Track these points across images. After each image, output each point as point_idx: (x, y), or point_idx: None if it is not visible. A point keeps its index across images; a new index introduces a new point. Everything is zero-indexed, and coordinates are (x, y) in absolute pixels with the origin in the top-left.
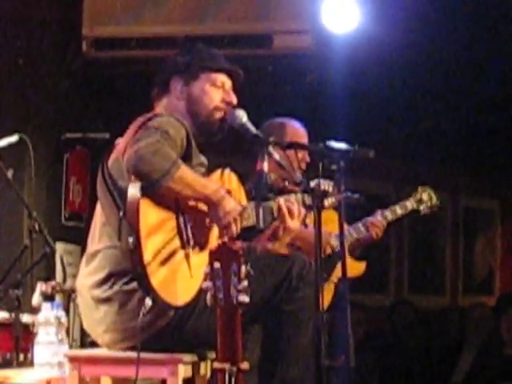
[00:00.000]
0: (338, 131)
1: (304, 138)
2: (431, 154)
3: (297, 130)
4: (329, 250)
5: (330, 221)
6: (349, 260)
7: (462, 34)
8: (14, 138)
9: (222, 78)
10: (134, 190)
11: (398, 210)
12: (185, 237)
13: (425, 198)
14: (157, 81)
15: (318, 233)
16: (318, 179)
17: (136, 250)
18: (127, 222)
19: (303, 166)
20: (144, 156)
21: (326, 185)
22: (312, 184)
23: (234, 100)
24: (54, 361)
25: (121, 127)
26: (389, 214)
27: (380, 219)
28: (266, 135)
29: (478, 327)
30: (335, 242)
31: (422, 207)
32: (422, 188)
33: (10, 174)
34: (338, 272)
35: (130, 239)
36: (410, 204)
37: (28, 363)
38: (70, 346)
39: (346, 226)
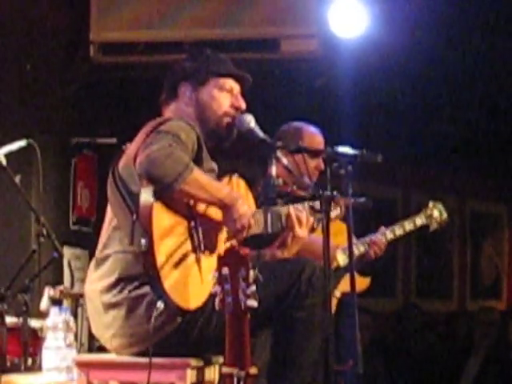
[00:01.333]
0: (346, 136)
1: (320, 144)
2: (438, 158)
3: (314, 136)
4: (334, 264)
5: (339, 233)
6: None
7: (469, 38)
8: (21, 143)
9: (231, 83)
10: (146, 194)
11: (407, 226)
12: (196, 240)
13: (435, 214)
14: (165, 86)
15: (327, 237)
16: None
17: (149, 253)
18: (140, 226)
19: (316, 173)
20: (156, 160)
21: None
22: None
23: (243, 105)
24: (62, 365)
25: (128, 132)
26: (396, 230)
27: (381, 238)
28: (281, 140)
29: (485, 332)
30: (340, 257)
31: (432, 223)
32: (433, 204)
33: (17, 179)
34: (341, 287)
35: (143, 241)
36: (419, 220)
37: (36, 368)
38: (78, 351)
39: (354, 240)
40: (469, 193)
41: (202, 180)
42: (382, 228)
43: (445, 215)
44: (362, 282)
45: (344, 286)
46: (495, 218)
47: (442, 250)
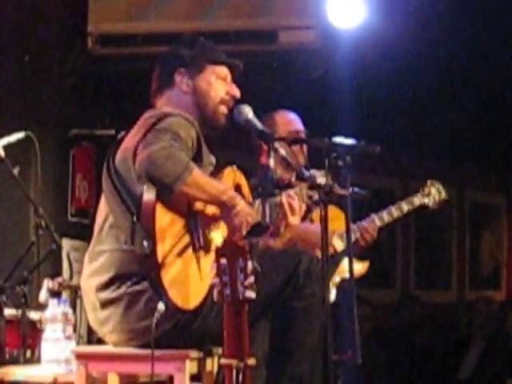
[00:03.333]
0: (344, 127)
1: (295, 124)
2: (437, 149)
3: (286, 117)
4: (331, 250)
5: (336, 218)
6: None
7: (468, 29)
8: (20, 135)
9: (225, 71)
10: (149, 194)
11: (405, 206)
12: (196, 240)
13: (433, 193)
14: (159, 74)
15: (325, 227)
16: (313, 171)
17: (152, 255)
18: (142, 227)
19: (303, 154)
20: (157, 161)
21: (320, 176)
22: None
23: (238, 93)
24: (61, 357)
25: (127, 123)
26: (393, 212)
27: (372, 225)
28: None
29: (484, 322)
30: (337, 243)
31: (430, 202)
32: (431, 182)
33: (16, 170)
34: (339, 273)
35: (145, 243)
36: (417, 199)
37: (35, 360)
38: (77, 343)
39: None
40: (468, 183)
41: (201, 181)
42: (373, 215)
43: (443, 194)
44: (362, 267)
45: (343, 271)
46: (494, 209)
47: (441, 241)
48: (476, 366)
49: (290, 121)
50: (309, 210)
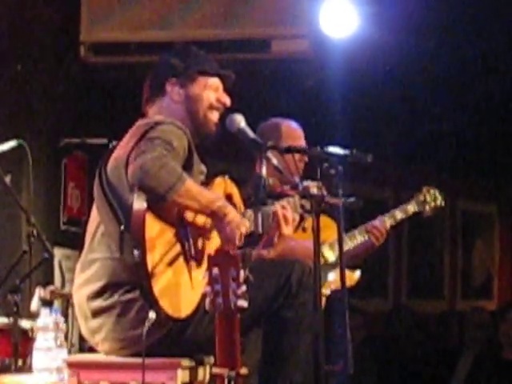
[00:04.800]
0: (336, 135)
1: (300, 139)
2: (429, 158)
3: (292, 130)
4: (321, 261)
5: (327, 227)
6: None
7: (460, 38)
8: (12, 144)
9: (216, 82)
10: (139, 203)
11: (399, 215)
12: (186, 249)
13: (429, 199)
14: (151, 83)
15: (317, 237)
16: (307, 181)
17: (142, 264)
18: (131, 235)
19: (301, 165)
20: (150, 171)
21: (315, 187)
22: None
23: (228, 101)
24: (52, 366)
25: (119, 132)
26: (389, 219)
27: (381, 224)
28: (261, 138)
29: (476, 332)
30: (327, 253)
31: (425, 209)
32: (427, 188)
33: (8, 179)
34: (329, 284)
35: (136, 253)
36: (411, 207)
37: (26, 369)
38: (69, 351)
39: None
40: (460, 193)
41: (193, 190)
42: (380, 216)
43: (439, 200)
44: (352, 277)
45: (333, 283)
46: (486, 218)
47: (433, 250)
48: (468, 375)
49: (296, 135)
50: (301, 219)
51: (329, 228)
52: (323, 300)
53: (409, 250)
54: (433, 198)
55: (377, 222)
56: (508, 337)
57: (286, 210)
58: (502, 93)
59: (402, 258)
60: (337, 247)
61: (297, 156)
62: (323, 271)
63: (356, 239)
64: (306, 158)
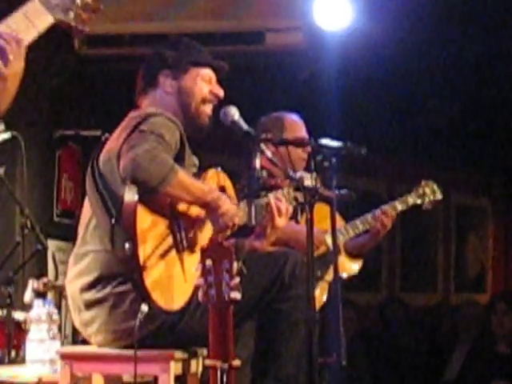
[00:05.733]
0: (330, 128)
1: (302, 131)
2: (423, 151)
3: (295, 124)
4: (323, 249)
5: (325, 218)
6: (345, 259)
7: (454, 32)
8: (6, 135)
9: (209, 73)
10: (131, 195)
11: (399, 206)
12: (179, 241)
13: (428, 192)
14: (143, 75)
15: (310, 230)
16: (300, 173)
17: (133, 257)
18: (122, 228)
19: (303, 160)
20: (141, 164)
21: (309, 179)
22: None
23: (221, 93)
24: (45, 358)
25: (113, 124)
26: (389, 209)
27: (380, 213)
28: (263, 130)
29: (469, 325)
30: (330, 241)
31: (424, 201)
32: (425, 182)
33: (1, 170)
34: (331, 274)
35: (127, 245)
36: (411, 199)
37: (20, 360)
38: (62, 343)
39: (342, 223)
40: (454, 186)
41: (186, 182)
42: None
43: (438, 194)
44: (354, 265)
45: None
46: (480, 212)
47: (427, 244)
48: (461, 368)
49: (298, 128)
50: (295, 212)
51: (328, 218)
52: (326, 286)
53: (402, 242)
54: (431, 191)
55: (385, 207)
56: (500, 328)
57: (280, 201)
58: (497, 86)
59: (396, 250)
60: (339, 234)
61: (298, 150)
62: (327, 258)
63: (358, 228)
64: (309, 149)
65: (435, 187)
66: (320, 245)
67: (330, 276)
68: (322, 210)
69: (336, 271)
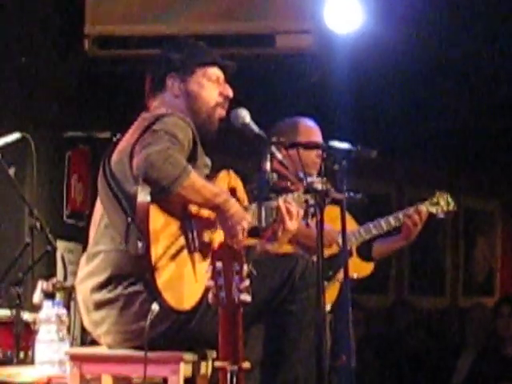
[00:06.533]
0: (340, 131)
1: (317, 136)
2: (432, 154)
3: (309, 128)
4: (335, 248)
5: (337, 218)
6: (357, 260)
7: (464, 35)
8: (16, 136)
9: (217, 72)
10: (143, 195)
11: (412, 212)
12: (190, 242)
13: (442, 203)
14: (150, 79)
15: (320, 233)
16: (311, 177)
17: (145, 256)
18: (136, 227)
19: (317, 163)
20: (155, 163)
21: (320, 183)
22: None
23: (231, 93)
24: (54, 359)
25: (123, 126)
26: (402, 216)
27: (401, 215)
28: (278, 134)
29: (477, 328)
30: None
31: (438, 210)
32: (440, 193)
33: (11, 171)
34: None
35: (140, 244)
36: (425, 207)
37: (29, 361)
38: (71, 344)
39: (355, 227)
40: (462, 189)
41: (198, 184)
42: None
43: (452, 205)
44: (366, 268)
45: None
46: (488, 215)
47: (435, 247)
48: (469, 371)
49: (313, 133)
50: (306, 215)
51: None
52: (338, 285)
53: (411, 245)
54: (446, 202)
55: (398, 213)
56: (507, 331)
57: (290, 204)
58: (507, 89)
59: (404, 253)
60: (350, 237)
61: (312, 154)
62: (339, 258)
63: (371, 232)
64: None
65: (449, 198)
66: (332, 242)
67: (341, 275)
68: (334, 211)
69: (346, 273)
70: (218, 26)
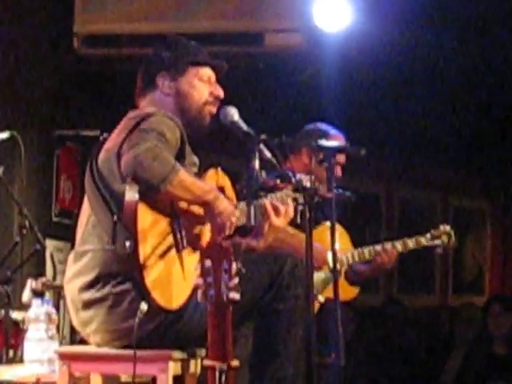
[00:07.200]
0: None
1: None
2: (422, 153)
3: (337, 137)
4: (326, 269)
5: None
6: (343, 283)
7: (455, 32)
8: (4, 135)
9: (208, 72)
10: (131, 194)
11: (410, 244)
12: (179, 239)
13: (443, 238)
14: (141, 77)
15: (309, 229)
16: (299, 175)
17: (133, 255)
18: (123, 226)
19: (339, 169)
20: (143, 162)
21: (308, 180)
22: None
23: (221, 93)
24: (43, 357)
25: (112, 124)
26: (400, 245)
27: (392, 248)
28: (300, 139)
29: (467, 327)
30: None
31: (437, 245)
32: (443, 226)
33: (0, 170)
34: (327, 293)
35: (127, 243)
36: (424, 240)
37: (18, 360)
38: (60, 343)
39: (350, 247)
40: (452, 188)
41: (187, 181)
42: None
43: (453, 241)
44: (351, 291)
45: (330, 293)
46: (478, 214)
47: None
48: (459, 369)
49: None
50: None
51: (340, 237)
52: (317, 306)
53: None
54: (447, 237)
55: (387, 246)
56: (497, 329)
57: (276, 200)
58: (497, 90)
59: None
60: (342, 258)
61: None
62: (326, 278)
63: (364, 256)
64: (343, 159)
65: (452, 233)
66: (323, 264)
67: (323, 297)
68: (325, 231)
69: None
70: (207, 25)
